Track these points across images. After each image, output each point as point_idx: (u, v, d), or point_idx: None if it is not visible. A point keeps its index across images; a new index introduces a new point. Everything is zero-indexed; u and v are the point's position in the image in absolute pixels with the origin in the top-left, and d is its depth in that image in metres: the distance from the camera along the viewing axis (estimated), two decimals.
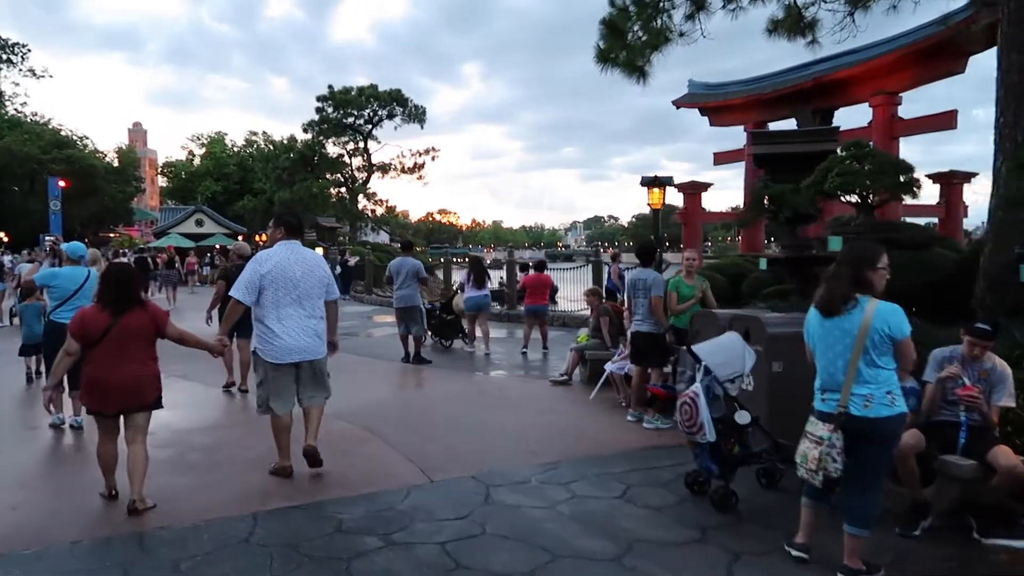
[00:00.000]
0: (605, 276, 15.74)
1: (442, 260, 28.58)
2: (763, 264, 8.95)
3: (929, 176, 28.40)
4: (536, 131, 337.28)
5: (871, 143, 6.92)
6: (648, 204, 12.29)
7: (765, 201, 9.78)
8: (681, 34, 9.50)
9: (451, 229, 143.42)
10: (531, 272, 13.57)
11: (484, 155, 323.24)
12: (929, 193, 28.40)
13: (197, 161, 66.44)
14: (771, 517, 4.59)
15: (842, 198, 6.87)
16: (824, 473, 3.67)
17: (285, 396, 5.39)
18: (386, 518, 4.62)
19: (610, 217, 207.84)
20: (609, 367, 8.26)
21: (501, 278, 40.87)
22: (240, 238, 41.36)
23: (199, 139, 68.97)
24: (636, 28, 9.69)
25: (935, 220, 28.32)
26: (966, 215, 29.80)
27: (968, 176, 28.67)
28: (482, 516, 4.65)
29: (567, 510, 4.77)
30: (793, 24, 10.67)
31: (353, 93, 43.76)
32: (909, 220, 26.06)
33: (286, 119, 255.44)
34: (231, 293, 5.37)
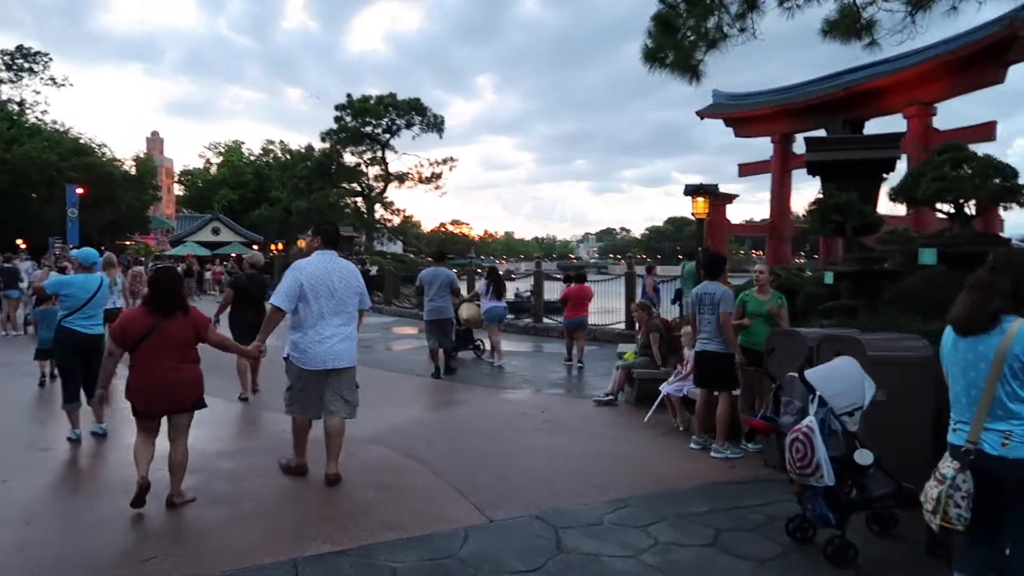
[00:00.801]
0: (640, 289, 15.08)
1: (464, 271, 28.14)
2: (829, 278, 8.27)
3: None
4: (548, 143, 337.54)
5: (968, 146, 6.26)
6: (692, 213, 11.66)
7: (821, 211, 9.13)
8: (741, 30, 8.87)
9: (463, 240, 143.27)
10: (573, 284, 13.06)
11: (496, 166, 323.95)
12: None
13: (214, 170, 66.37)
14: (897, 573, 3.93)
15: (937, 207, 6.20)
16: (943, 518, 3.02)
17: (313, 401, 5.50)
18: (446, 568, 3.98)
19: (622, 229, 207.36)
20: (665, 388, 7.61)
21: (517, 289, 40.41)
22: (255, 247, 40.98)
23: (216, 147, 68.99)
24: (690, 24, 9.06)
25: None
26: (1001, 229, 29.08)
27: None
28: (559, 568, 4.00)
29: (653, 561, 4.12)
30: (850, 25, 10.05)
31: (372, 102, 43.31)
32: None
33: (301, 130, 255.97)
34: (272, 301, 5.39)
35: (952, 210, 6.08)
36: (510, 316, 16.65)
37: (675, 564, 4.07)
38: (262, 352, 5.53)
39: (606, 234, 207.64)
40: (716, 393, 6.60)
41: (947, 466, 3.14)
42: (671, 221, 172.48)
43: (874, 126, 28.33)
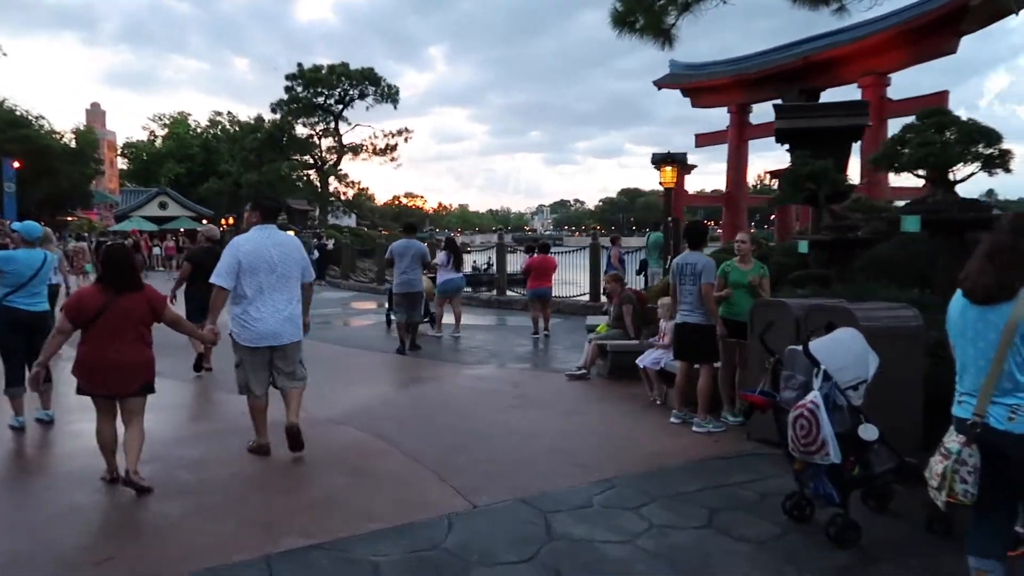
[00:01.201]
0: (604, 260, 14.91)
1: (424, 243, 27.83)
2: (803, 247, 8.15)
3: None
4: (501, 114, 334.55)
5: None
6: (660, 183, 11.46)
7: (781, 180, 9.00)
8: None
9: (418, 212, 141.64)
10: (535, 254, 12.92)
11: (449, 138, 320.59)
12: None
13: (159, 143, 64.04)
14: (901, 553, 3.80)
15: (917, 173, 6.07)
16: (949, 494, 2.89)
17: (262, 379, 5.42)
18: (433, 562, 3.73)
19: (576, 201, 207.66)
20: (642, 361, 7.43)
21: (475, 262, 40.01)
22: (204, 221, 39.82)
23: (161, 119, 66.48)
24: None
25: None
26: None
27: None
28: (552, 556, 3.77)
29: (651, 545, 3.92)
30: None
31: (324, 72, 42.18)
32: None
33: (249, 101, 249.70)
34: (212, 281, 5.27)
35: (935, 176, 5.97)
36: (468, 289, 16.52)
37: (674, 549, 3.88)
38: (217, 334, 5.34)
39: (560, 206, 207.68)
40: (696, 366, 6.44)
41: (952, 440, 3.00)
42: (624, 192, 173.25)
43: (830, 96, 28.58)
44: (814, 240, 7.97)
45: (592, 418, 6.84)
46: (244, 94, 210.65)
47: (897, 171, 6.10)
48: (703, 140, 33.10)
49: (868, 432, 3.75)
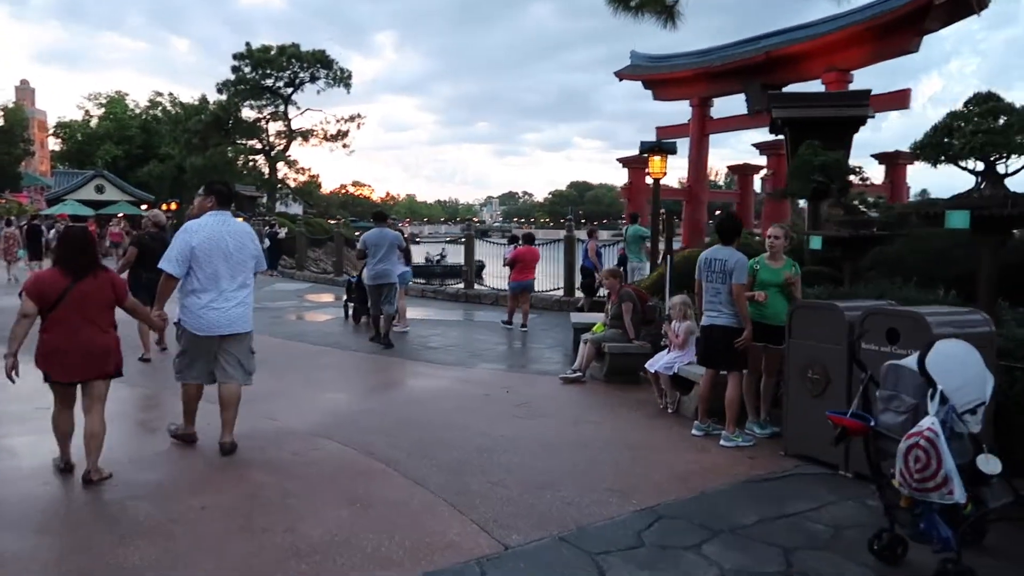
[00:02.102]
0: (580, 254, 14.26)
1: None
2: (816, 243, 7.63)
3: (874, 156, 28.79)
4: (450, 104, 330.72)
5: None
6: (648, 173, 10.84)
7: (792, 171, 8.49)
8: None
9: (365, 202, 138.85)
10: (520, 245, 12.57)
11: (397, 127, 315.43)
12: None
13: (95, 123, 60.90)
14: None
15: (965, 166, 5.56)
16: None
17: (204, 367, 5.27)
18: None
19: (524, 193, 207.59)
20: (654, 365, 6.79)
21: (427, 253, 38.94)
22: (145, 207, 37.98)
23: (97, 98, 63.13)
24: None
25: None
26: (908, 196, 30.16)
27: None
28: None
29: None
30: None
31: (273, 52, 40.41)
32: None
33: (189, 83, 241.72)
34: (161, 266, 5.11)
35: (983, 166, 5.49)
36: (420, 280, 16.01)
37: None
38: (164, 320, 5.37)
39: (509, 198, 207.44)
40: (723, 373, 5.83)
41: None
42: (574, 185, 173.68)
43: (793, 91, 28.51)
44: (829, 237, 7.44)
45: (604, 429, 6.18)
46: (183, 76, 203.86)
47: (945, 162, 5.57)
48: (664, 133, 32.77)
49: (990, 464, 3.16)
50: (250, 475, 4.76)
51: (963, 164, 5.71)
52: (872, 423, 3.47)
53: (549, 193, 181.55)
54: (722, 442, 5.65)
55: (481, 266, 21.79)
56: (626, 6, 8.88)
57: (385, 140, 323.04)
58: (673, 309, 6.84)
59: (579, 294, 14.43)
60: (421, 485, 4.62)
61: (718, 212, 26.20)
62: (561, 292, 14.74)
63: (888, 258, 8.44)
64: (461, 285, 16.20)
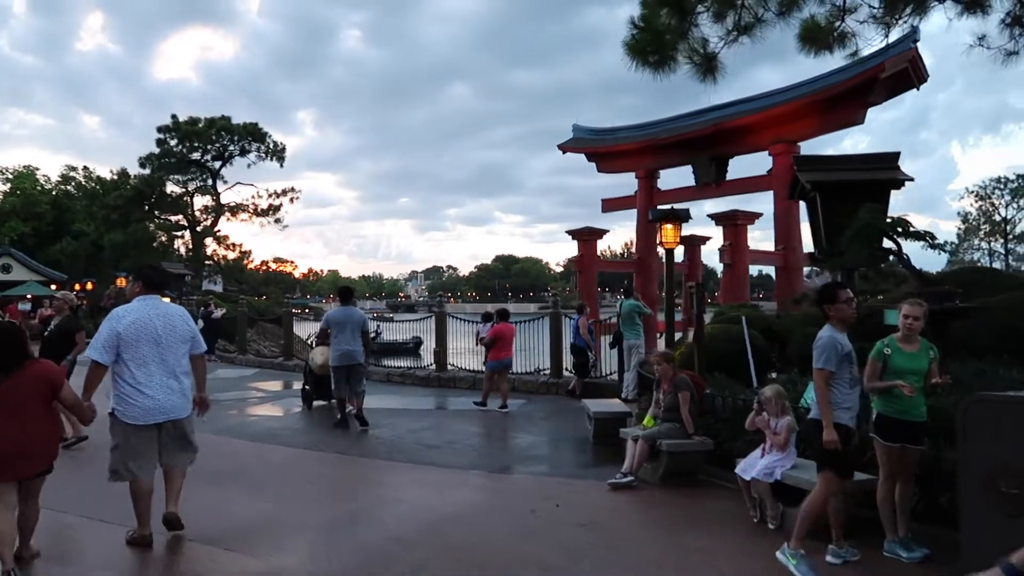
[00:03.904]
0: (570, 331, 13.14)
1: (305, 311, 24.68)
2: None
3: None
4: (371, 180, 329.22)
5: None
6: (660, 243, 9.91)
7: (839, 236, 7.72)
8: (780, 13, 7.29)
9: (288, 279, 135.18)
10: (495, 322, 12.05)
11: (317, 203, 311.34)
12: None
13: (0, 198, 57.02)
14: None
15: None
16: None
17: (148, 459, 5.07)
18: None
19: (449, 267, 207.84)
20: (750, 472, 5.62)
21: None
22: (54, 287, 35.17)
23: (3, 173, 59.44)
24: (709, 5, 7.36)
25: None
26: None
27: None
28: None
29: None
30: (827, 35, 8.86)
31: (202, 125, 38.79)
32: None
33: (100, 160, 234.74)
34: (88, 354, 5.02)
35: None
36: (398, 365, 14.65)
37: None
38: (94, 412, 4.92)
39: (433, 272, 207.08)
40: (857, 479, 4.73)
41: None
42: (500, 259, 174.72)
43: (740, 163, 28.76)
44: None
45: (718, 559, 4.90)
46: (95, 153, 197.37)
47: None
48: (609, 205, 32.67)
49: None
50: None
51: None
52: None
53: (475, 267, 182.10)
54: (828, 557, 4.56)
55: (419, 342, 20.65)
56: (657, 62, 8.07)
57: (306, 215, 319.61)
58: (768, 403, 5.73)
59: (567, 374, 13.27)
60: None
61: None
62: (548, 374, 13.52)
63: (956, 334, 7.64)
64: (433, 367, 14.78)
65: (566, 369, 13.31)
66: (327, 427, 10.05)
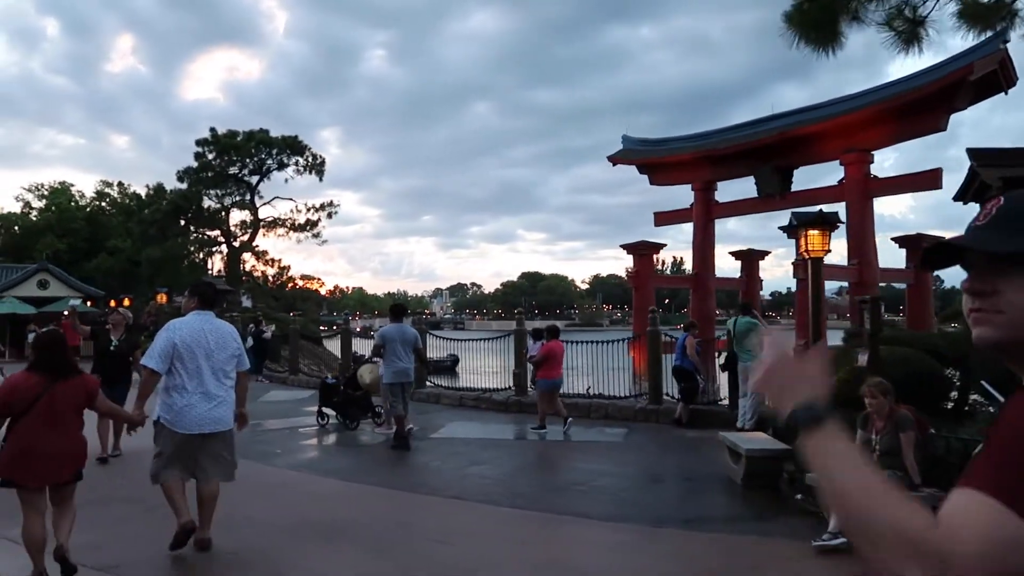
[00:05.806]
0: (675, 352, 11.81)
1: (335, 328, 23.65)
2: None
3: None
4: (394, 199, 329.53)
5: None
6: (805, 252, 8.60)
7: None
8: None
9: (315, 296, 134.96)
10: (545, 339, 11.51)
11: (341, 221, 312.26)
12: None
13: (35, 215, 56.91)
14: None
15: None
16: None
17: (184, 465, 5.26)
18: None
19: (473, 284, 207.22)
20: None
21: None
22: (89, 303, 34.55)
23: (39, 190, 59.41)
24: None
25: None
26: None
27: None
28: None
29: None
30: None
31: (240, 138, 38.12)
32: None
33: (130, 178, 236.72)
34: (144, 363, 5.28)
35: None
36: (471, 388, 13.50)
37: None
38: (146, 416, 5.24)
39: (458, 289, 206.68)
40: None
41: None
42: (526, 276, 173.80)
43: (805, 173, 27.39)
44: None
45: None
46: (123, 172, 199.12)
47: None
48: (664, 218, 31.31)
49: None
50: None
51: None
52: None
53: (500, 284, 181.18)
54: None
55: (456, 360, 20.02)
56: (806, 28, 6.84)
57: (330, 233, 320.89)
58: None
59: (668, 399, 11.95)
60: None
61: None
62: (646, 398, 12.19)
63: None
64: (513, 391, 13.53)
65: (666, 394, 11.98)
66: (396, 457, 9.40)
